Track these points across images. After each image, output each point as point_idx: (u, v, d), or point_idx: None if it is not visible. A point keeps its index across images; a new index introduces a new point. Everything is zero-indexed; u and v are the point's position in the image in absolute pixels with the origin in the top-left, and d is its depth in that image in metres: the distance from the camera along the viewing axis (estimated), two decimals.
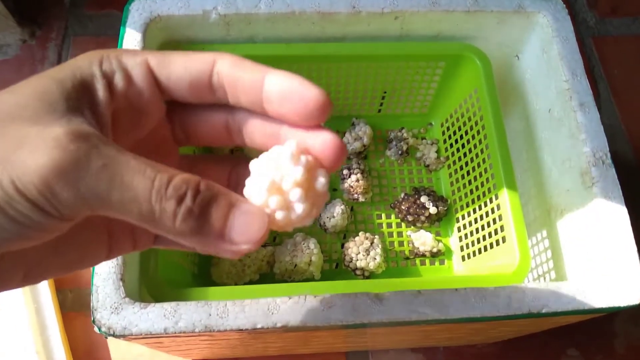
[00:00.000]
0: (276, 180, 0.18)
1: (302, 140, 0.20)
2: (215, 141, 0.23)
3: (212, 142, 0.24)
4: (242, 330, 0.32)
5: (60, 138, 0.16)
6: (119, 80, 0.20)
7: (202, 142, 0.24)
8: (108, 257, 0.22)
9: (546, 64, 0.45)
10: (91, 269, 0.34)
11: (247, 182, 0.19)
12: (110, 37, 0.67)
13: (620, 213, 0.37)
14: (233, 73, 0.20)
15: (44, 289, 0.52)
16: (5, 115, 0.17)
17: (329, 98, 0.19)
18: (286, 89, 0.19)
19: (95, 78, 0.19)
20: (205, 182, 0.18)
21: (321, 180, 0.19)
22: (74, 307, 0.54)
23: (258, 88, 0.20)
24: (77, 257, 0.21)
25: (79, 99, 0.18)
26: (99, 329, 0.32)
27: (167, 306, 0.32)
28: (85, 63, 0.19)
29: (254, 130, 0.22)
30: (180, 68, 0.20)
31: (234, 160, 0.25)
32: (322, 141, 0.20)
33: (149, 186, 0.17)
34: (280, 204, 0.19)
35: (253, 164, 0.20)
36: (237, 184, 0.24)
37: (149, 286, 0.36)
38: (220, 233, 0.18)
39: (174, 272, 0.40)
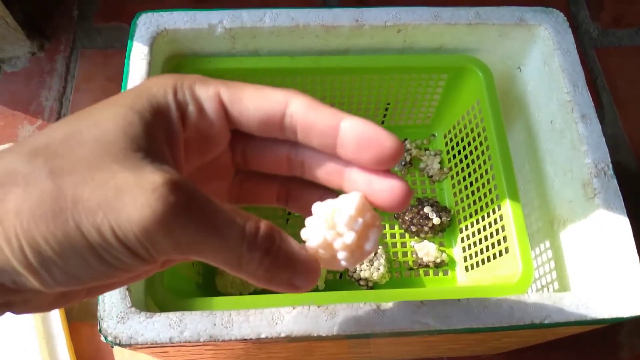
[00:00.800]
0: (328, 239, 0.20)
1: (368, 184, 0.21)
2: (273, 170, 0.24)
3: (270, 170, 0.24)
4: (246, 340, 0.33)
5: (160, 189, 0.17)
6: (191, 112, 0.20)
7: (260, 169, 0.24)
8: (152, 271, 0.23)
9: (548, 76, 0.45)
10: None
11: (307, 223, 0.21)
12: (118, 50, 0.68)
13: (622, 224, 0.38)
14: (308, 117, 0.20)
15: None
16: (93, 151, 0.17)
17: (402, 145, 0.20)
18: (364, 136, 0.20)
19: (170, 109, 0.19)
20: (281, 231, 0.20)
21: (370, 243, 0.20)
22: (79, 317, 0.54)
23: (333, 133, 0.20)
24: (130, 276, 0.22)
25: (157, 132, 0.19)
26: (106, 338, 0.32)
27: (173, 316, 0.33)
28: (161, 92, 0.20)
29: (318, 166, 0.22)
30: (252, 105, 0.20)
31: (282, 177, 0.25)
32: (390, 188, 0.20)
33: (241, 236, 0.18)
34: (327, 257, 0.20)
35: (316, 208, 0.21)
36: (286, 200, 0.25)
37: (155, 296, 0.36)
38: (289, 280, 0.20)
39: (179, 282, 0.41)
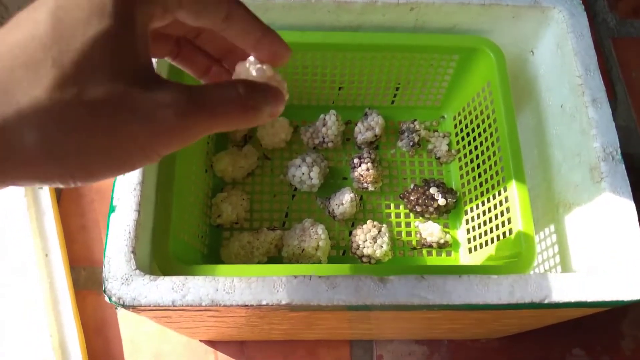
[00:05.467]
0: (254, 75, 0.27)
1: (260, 51, 0.26)
2: (174, 32, 0.27)
3: (171, 32, 0.27)
4: (247, 306, 0.33)
5: (179, 108, 0.20)
6: (158, 13, 0.22)
7: (164, 31, 0.27)
8: None
9: (560, 60, 0.45)
10: (104, 242, 0.35)
11: (235, 72, 0.27)
12: None
13: (628, 208, 0.37)
14: (246, 25, 0.25)
15: (59, 265, 0.54)
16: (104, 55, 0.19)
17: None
18: (276, 50, 0.26)
19: (153, 13, 0.22)
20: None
21: (276, 77, 0.27)
22: (86, 285, 0.55)
23: (258, 41, 0.26)
24: None
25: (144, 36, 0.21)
26: (110, 299, 0.32)
27: (176, 280, 0.33)
28: None
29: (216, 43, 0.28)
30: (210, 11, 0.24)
31: (211, 58, 0.29)
32: (273, 51, 0.26)
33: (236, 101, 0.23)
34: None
35: (238, 66, 0.27)
36: (176, 56, 0.29)
37: (160, 261, 0.37)
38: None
39: (184, 251, 0.41)
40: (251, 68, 0.27)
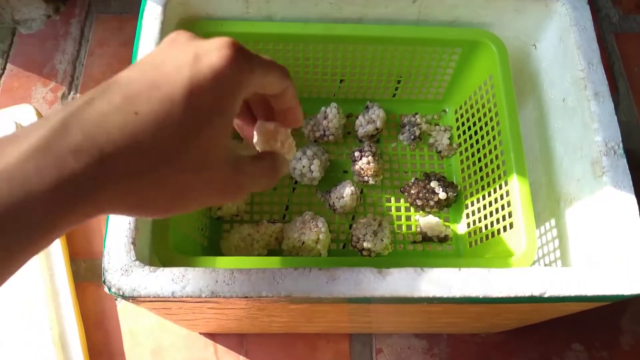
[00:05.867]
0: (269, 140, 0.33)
1: (282, 117, 0.32)
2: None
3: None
4: (247, 297, 0.33)
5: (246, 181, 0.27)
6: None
7: None
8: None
9: (563, 53, 0.45)
10: (104, 234, 0.35)
11: (255, 133, 0.33)
12: (132, 16, 0.68)
13: (629, 203, 0.37)
14: (291, 105, 0.31)
15: (58, 257, 0.54)
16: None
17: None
18: (298, 121, 0.33)
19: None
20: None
21: (289, 141, 0.34)
22: (86, 277, 0.55)
23: (289, 113, 0.32)
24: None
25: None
26: (109, 290, 0.32)
27: (176, 271, 0.33)
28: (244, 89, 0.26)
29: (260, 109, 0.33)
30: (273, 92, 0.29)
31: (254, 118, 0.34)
32: (294, 119, 0.33)
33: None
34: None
35: (259, 124, 0.33)
36: (247, 119, 0.34)
37: (159, 252, 0.37)
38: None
39: (184, 243, 0.41)
40: (285, 146, 0.33)
